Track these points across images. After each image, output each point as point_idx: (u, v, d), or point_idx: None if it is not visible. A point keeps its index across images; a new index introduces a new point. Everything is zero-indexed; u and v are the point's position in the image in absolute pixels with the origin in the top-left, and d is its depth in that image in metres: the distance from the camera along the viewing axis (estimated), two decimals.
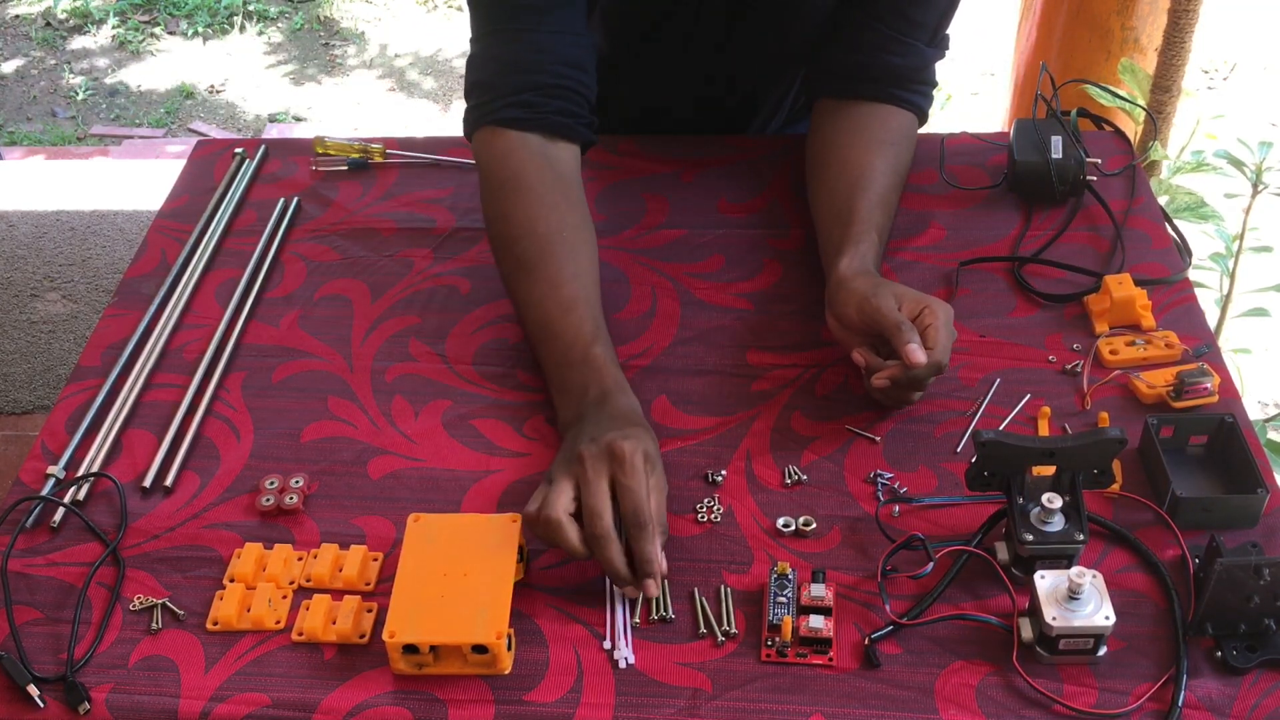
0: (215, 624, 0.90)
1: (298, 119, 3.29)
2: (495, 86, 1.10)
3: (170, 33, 3.66)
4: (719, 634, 0.87)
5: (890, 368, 0.96)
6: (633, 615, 0.89)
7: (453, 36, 3.60)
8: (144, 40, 3.62)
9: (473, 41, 1.13)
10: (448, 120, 3.25)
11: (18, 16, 3.74)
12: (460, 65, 3.42)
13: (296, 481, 0.99)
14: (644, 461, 0.88)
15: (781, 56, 1.29)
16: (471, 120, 1.12)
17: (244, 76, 3.48)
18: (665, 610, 0.89)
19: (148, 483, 1.00)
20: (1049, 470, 0.89)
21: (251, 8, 3.70)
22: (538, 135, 1.09)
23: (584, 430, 0.92)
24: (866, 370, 0.99)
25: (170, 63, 3.55)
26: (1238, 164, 1.66)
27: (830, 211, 1.11)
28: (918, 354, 0.93)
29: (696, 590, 0.90)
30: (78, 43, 3.63)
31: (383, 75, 3.45)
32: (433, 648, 0.84)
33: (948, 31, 1.19)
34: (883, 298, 0.97)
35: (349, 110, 3.31)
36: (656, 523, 0.87)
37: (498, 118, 1.09)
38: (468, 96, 1.13)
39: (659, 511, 0.89)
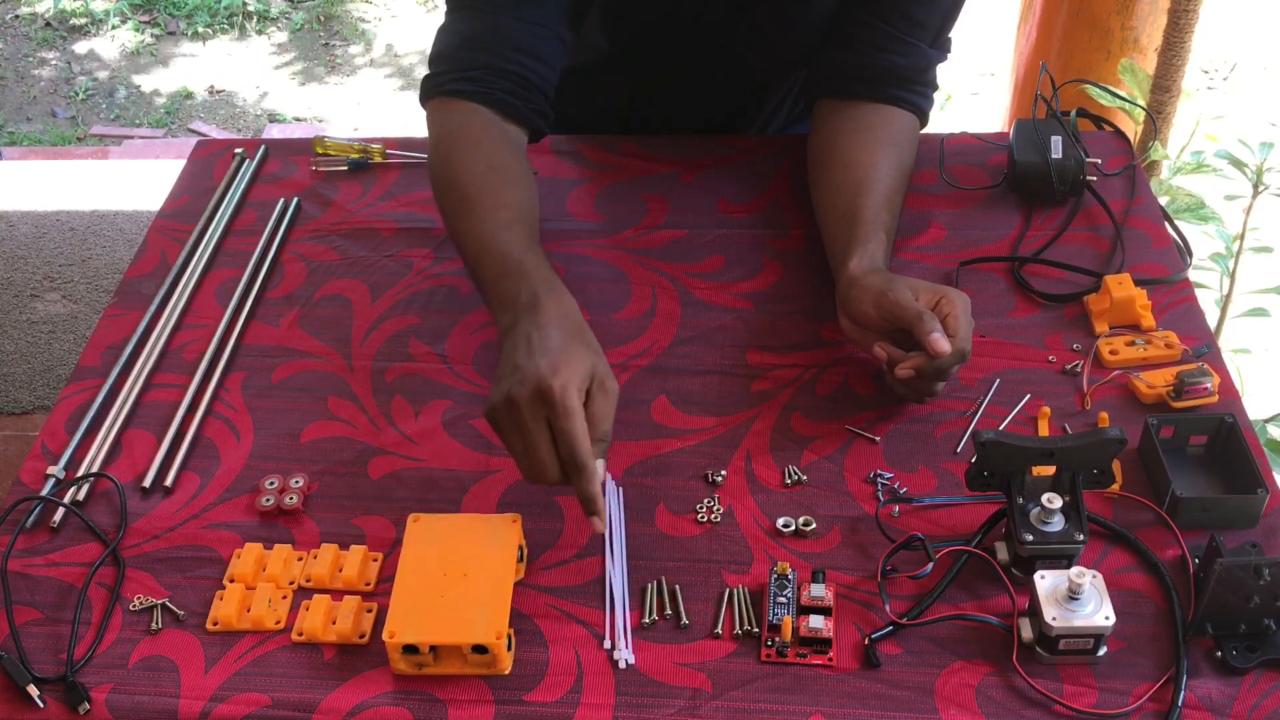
0: (215, 624, 0.90)
1: (298, 119, 3.29)
2: (450, 60, 1.12)
3: (170, 33, 3.66)
4: (739, 631, 0.88)
5: (914, 357, 0.96)
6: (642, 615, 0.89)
7: None
8: (144, 40, 3.62)
9: (445, 14, 1.15)
10: None
11: (18, 16, 3.74)
12: None
13: (296, 481, 0.99)
14: (580, 388, 0.87)
15: (783, 55, 1.29)
16: (426, 89, 1.14)
17: (244, 76, 3.48)
18: (680, 616, 0.89)
19: (148, 483, 1.00)
20: (1049, 470, 0.89)
21: (251, 7, 3.70)
22: (487, 109, 1.11)
23: (517, 346, 0.90)
24: (889, 363, 0.99)
25: (170, 62, 3.55)
26: (1238, 164, 1.66)
27: (835, 212, 1.11)
28: (941, 342, 0.93)
29: (728, 590, 0.90)
30: (78, 43, 3.63)
31: (386, 75, 3.45)
32: (433, 648, 0.84)
33: (950, 35, 1.19)
34: (899, 291, 0.97)
35: (349, 110, 3.32)
36: (598, 447, 0.88)
37: (449, 89, 1.11)
38: (428, 65, 1.15)
39: (602, 425, 0.88)
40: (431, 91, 1.13)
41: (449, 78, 1.11)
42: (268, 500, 0.98)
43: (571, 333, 0.91)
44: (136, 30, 3.66)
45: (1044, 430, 1.00)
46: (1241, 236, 1.72)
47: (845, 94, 1.18)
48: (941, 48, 1.18)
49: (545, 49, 1.12)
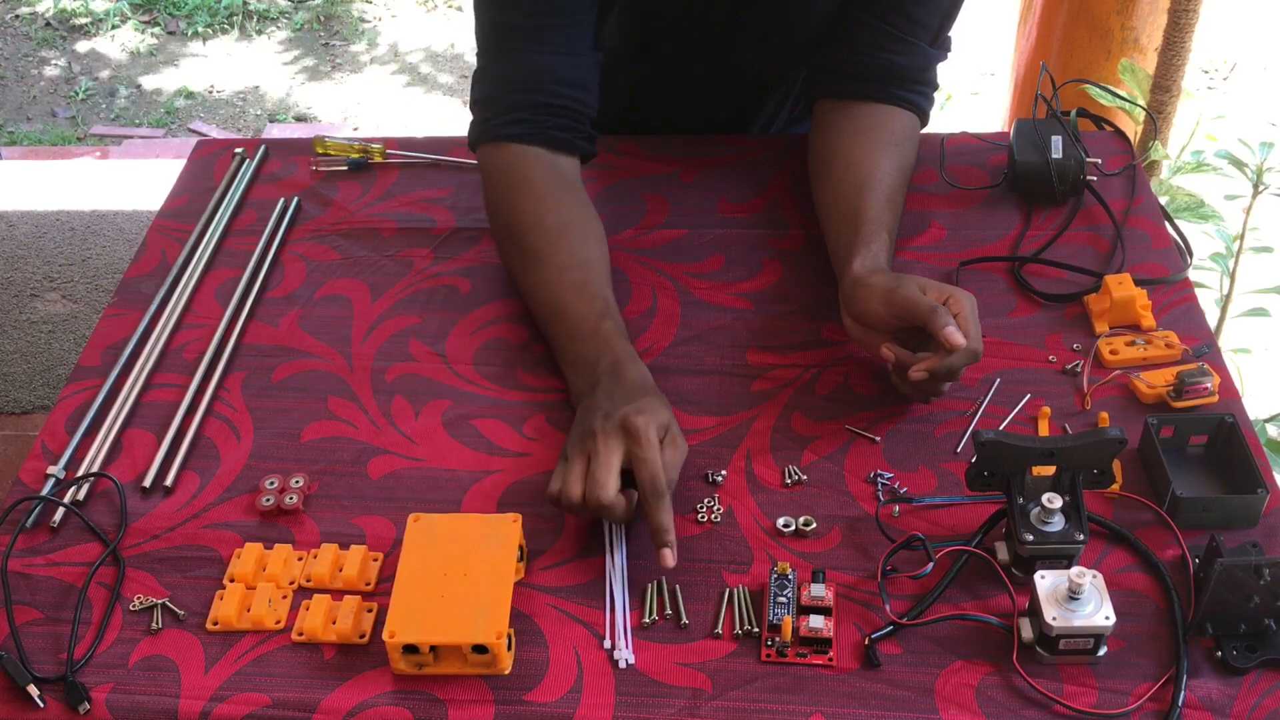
0: (215, 624, 0.90)
1: (298, 119, 3.29)
2: (496, 104, 1.13)
3: (170, 32, 3.66)
4: (739, 631, 0.88)
5: (928, 359, 0.96)
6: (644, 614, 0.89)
7: (455, 35, 3.60)
8: (145, 40, 3.62)
9: (478, 56, 1.16)
10: (457, 118, 3.24)
11: (18, 16, 3.74)
12: (462, 62, 3.43)
13: (296, 481, 0.99)
14: (658, 433, 0.91)
15: (783, 55, 1.29)
16: (475, 134, 1.16)
17: (244, 76, 3.48)
18: (680, 616, 0.89)
19: (148, 483, 1.00)
20: (1049, 470, 0.89)
21: (252, 7, 3.70)
22: (540, 148, 1.12)
23: (598, 400, 0.94)
24: (897, 365, 0.99)
25: (171, 62, 3.55)
26: (1239, 164, 1.66)
27: (838, 213, 1.11)
28: (956, 336, 0.93)
29: (728, 590, 0.90)
30: (78, 42, 3.63)
31: (387, 75, 3.45)
32: (433, 648, 0.84)
33: (950, 34, 1.19)
34: (909, 288, 0.97)
35: (350, 110, 3.32)
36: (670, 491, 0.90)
37: (500, 134, 1.13)
38: (472, 109, 1.16)
39: (671, 473, 0.91)
40: (483, 137, 1.14)
41: (499, 121, 1.12)
42: (268, 500, 0.98)
43: (651, 393, 0.97)
44: (137, 30, 3.66)
45: (1044, 430, 1.00)
46: (1241, 236, 1.72)
47: (845, 94, 1.18)
48: (941, 47, 1.18)
49: (584, 75, 1.14)
